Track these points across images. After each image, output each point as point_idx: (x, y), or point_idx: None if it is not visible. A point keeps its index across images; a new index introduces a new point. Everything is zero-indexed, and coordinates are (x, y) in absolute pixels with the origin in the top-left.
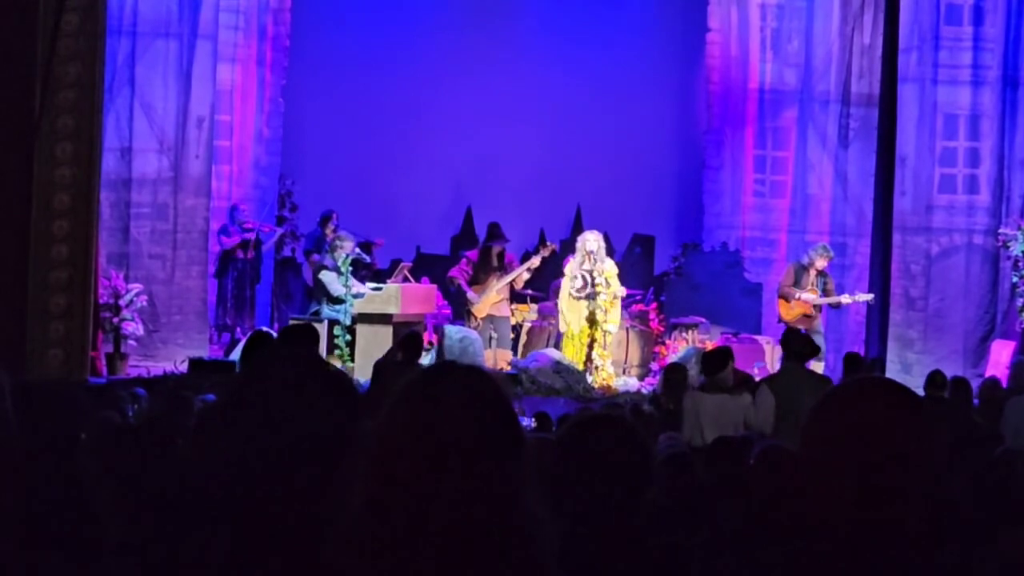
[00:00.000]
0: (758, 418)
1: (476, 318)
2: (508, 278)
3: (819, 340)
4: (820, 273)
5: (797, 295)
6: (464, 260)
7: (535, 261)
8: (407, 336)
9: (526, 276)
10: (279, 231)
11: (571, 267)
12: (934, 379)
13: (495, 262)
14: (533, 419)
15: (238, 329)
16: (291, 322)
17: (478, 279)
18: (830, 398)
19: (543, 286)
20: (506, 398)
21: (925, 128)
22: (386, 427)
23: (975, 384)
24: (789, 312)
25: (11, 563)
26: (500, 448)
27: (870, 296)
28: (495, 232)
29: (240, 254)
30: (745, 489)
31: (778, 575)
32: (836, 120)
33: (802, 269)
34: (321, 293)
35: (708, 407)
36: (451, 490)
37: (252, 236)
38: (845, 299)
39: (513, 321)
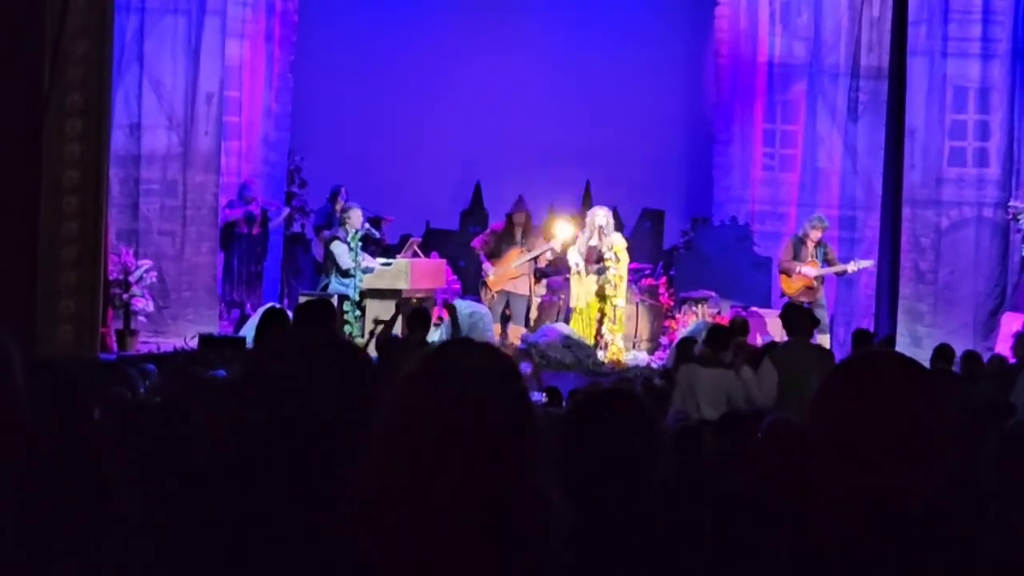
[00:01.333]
0: (761, 392)
1: (490, 290)
2: (529, 256)
3: (821, 313)
4: (819, 244)
5: (798, 269)
6: (488, 232)
7: (557, 243)
8: (414, 311)
9: (549, 256)
10: (286, 210)
11: (580, 242)
12: (942, 352)
13: (517, 235)
14: (544, 394)
15: (247, 305)
16: (301, 298)
17: (499, 251)
18: (839, 372)
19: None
20: (518, 378)
21: (935, 101)
22: (394, 407)
23: (986, 357)
24: (791, 286)
25: (24, 539)
26: (510, 429)
27: (870, 262)
28: (516, 201)
29: (245, 230)
30: (753, 463)
31: (787, 550)
32: (845, 93)
33: (799, 242)
34: (331, 265)
35: (704, 381)
36: (460, 471)
37: (256, 210)
38: (849, 267)
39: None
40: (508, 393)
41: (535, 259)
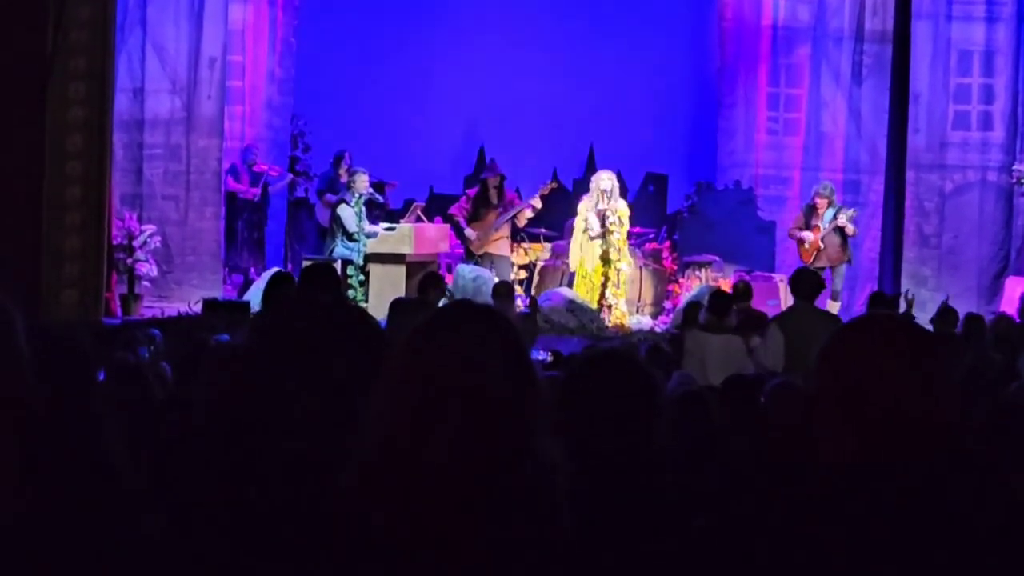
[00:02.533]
0: (767, 357)
1: (474, 255)
2: (507, 216)
3: (839, 282)
4: (829, 208)
5: (798, 235)
6: (464, 198)
7: (536, 200)
8: (425, 275)
9: (529, 214)
10: (288, 176)
11: (584, 206)
12: (945, 314)
13: (494, 198)
14: (549, 353)
15: (251, 270)
16: (304, 263)
17: (477, 215)
18: (841, 336)
19: (556, 225)
20: (519, 341)
21: (939, 65)
22: (396, 368)
23: (989, 321)
24: (804, 254)
25: (25, 505)
26: (510, 390)
27: (852, 211)
28: (488, 165)
29: (249, 197)
30: (757, 428)
31: (791, 513)
32: (850, 57)
33: (810, 210)
34: (338, 229)
35: (712, 346)
36: (459, 432)
37: (260, 182)
38: (847, 226)
39: (526, 260)
40: (508, 354)
41: (514, 218)
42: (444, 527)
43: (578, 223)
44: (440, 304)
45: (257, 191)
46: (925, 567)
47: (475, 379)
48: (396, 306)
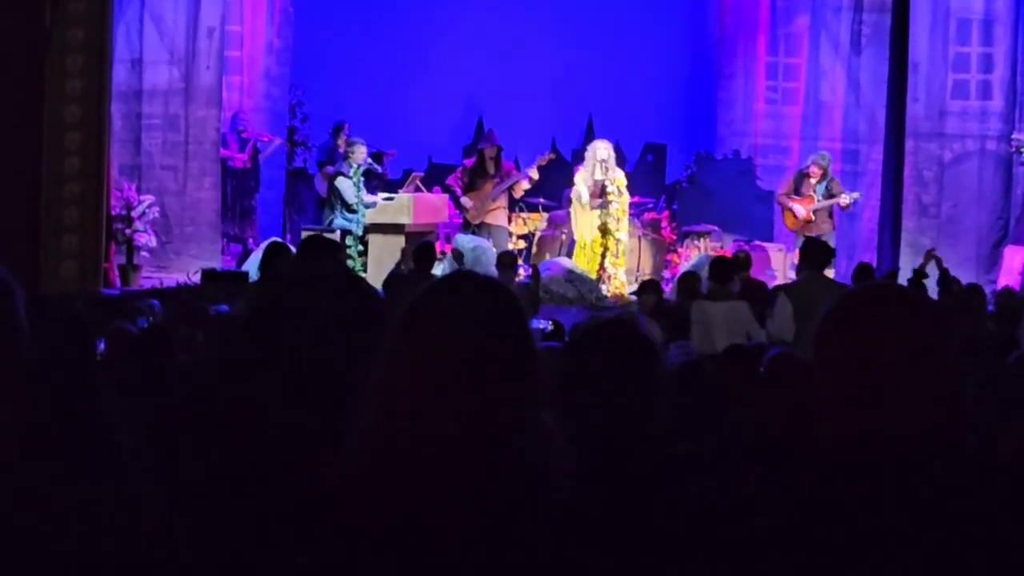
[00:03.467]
0: (776, 326)
1: (471, 225)
2: (504, 187)
3: None
4: (822, 179)
5: (789, 204)
6: (460, 168)
7: (532, 171)
8: (420, 246)
9: (526, 185)
10: (276, 141)
11: (580, 176)
12: (947, 286)
13: (490, 168)
14: (550, 322)
15: (250, 240)
16: (304, 233)
17: (473, 185)
18: (840, 305)
19: (555, 195)
20: (519, 311)
21: (938, 34)
22: (396, 338)
23: (988, 290)
24: (790, 220)
25: (25, 474)
26: (511, 360)
27: (857, 195)
28: (485, 135)
29: (239, 165)
30: (755, 397)
31: (790, 483)
32: (849, 26)
33: (802, 177)
34: (336, 200)
35: (716, 315)
36: (461, 402)
37: (249, 148)
38: (841, 200)
39: (525, 230)
40: (509, 324)
41: (510, 190)
42: (445, 497)
43: (573, 193)
44: (439, 274)
45: (246, 157)
46: (926, 538)
47: (476, 350)
48: (392, 281)
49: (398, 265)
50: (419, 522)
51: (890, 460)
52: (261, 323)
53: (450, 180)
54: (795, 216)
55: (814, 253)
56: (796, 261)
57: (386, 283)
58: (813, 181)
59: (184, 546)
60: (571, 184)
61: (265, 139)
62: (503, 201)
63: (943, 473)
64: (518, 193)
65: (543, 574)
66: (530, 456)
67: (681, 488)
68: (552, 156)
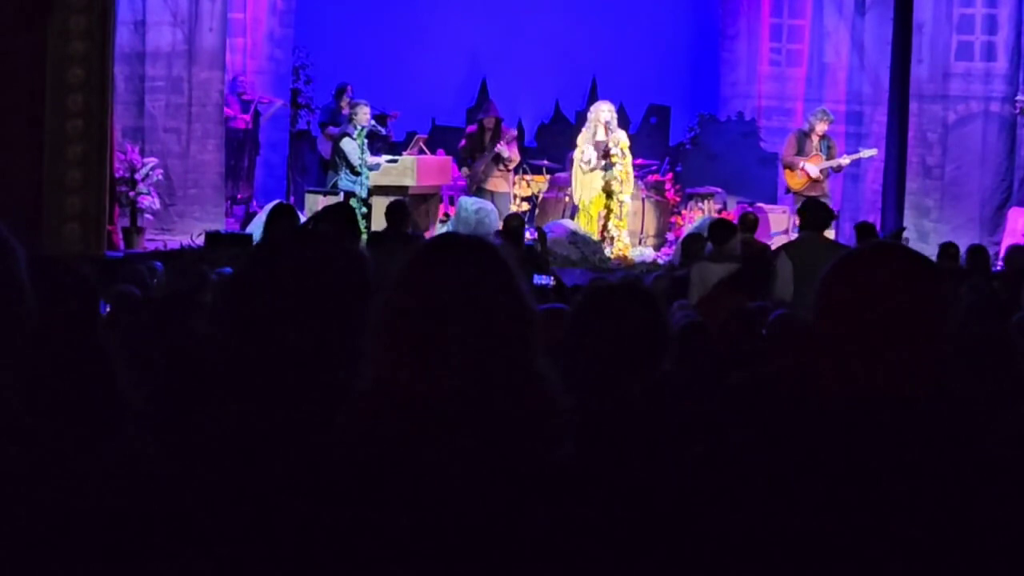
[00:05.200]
0: (776, 287)
1: (470, 192)
2: (485, 159)
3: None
4: (823, 138)
5: (800, 164)
6: (466, 136)
7: (504, 151)
8: (391, 205)
9: (506, 155)
10: (277, 103)
11: (582, 138)
12: (947, 250)
13: (485, 139)
14: (552, 278)
15: (254, 202)
16: (308, 196)
17: (473, 154)
18: (842, 265)
19: (559, 157)
20: (510, 270)
21: None
22: (388, 301)
23: (992, 251)
24: (796, 181)
25: (29, 436)
26: (508, 322)
27: (873, 151)
28: (485, 106)
29: (241, 125)
30: (757, 358)
31: (790, 444)
32: None
33: (804, 136)
34: (341, 162)
35: (717, 276)
36: (457, 359)
37: (251, 110)
38: (846, 160)
39: (528, 192)
40: (501, 285)
41: (505, 161)
42: (447, 454)
43: (576, 155)
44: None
45: (248, 118)
46: (925, 498)
47: (471, 311)
48: (373, 238)
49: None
50: (420, 479)
51: (890, 415)
52: (252, 284)
53: (461, 144)
54: (808, 176)
55: (812, 213)
56: (797, 222)
57: (368, 240)
58: (816, 140)
59: (191, 504)
60: (574, 146)
61: (265, 101)
62: (500, 171)
63: (942, 429)
64: (511, 165)
65: (542, 528)
66: (529, 414)
67: (681, 446)
68: (514, 132)
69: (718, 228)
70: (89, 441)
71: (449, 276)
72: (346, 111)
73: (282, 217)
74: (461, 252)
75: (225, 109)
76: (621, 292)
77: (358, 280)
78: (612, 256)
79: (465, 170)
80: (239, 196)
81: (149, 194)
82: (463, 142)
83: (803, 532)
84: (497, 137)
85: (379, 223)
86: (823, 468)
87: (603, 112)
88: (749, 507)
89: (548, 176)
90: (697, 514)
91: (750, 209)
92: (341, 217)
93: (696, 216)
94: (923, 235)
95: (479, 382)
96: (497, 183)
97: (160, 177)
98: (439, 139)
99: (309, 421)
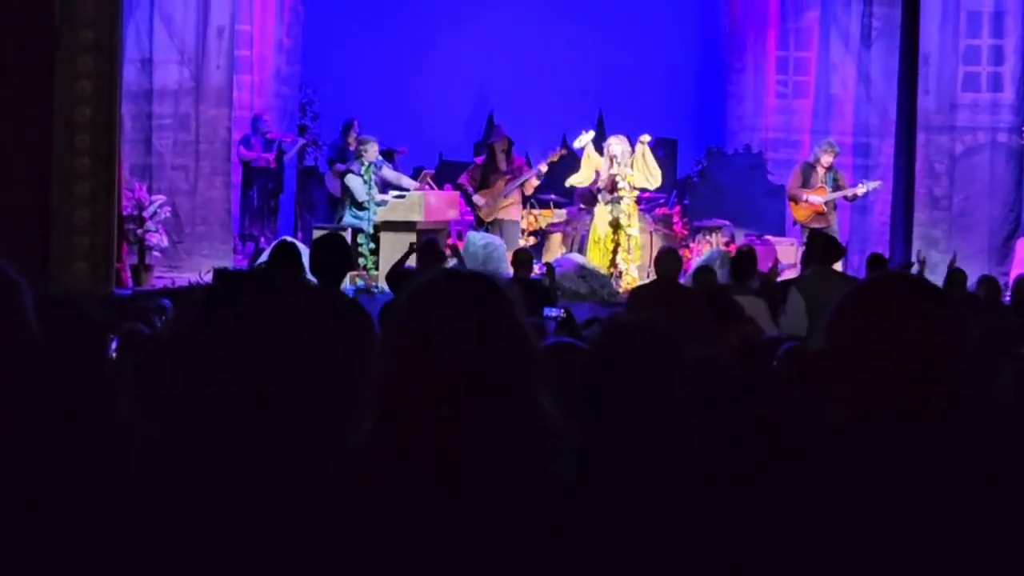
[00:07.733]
0: (789, 321)
1: (483, 222)
2: (516, 183)
3: None
4: (829, 169)
5: (804, 197)
6: (472, 166)
7: (543, 167)
8: (424, 244)
9: (535, 182)
10: (301, 141)
11: (604, 171)
12: (953, 277)
13: (502, 163)
14: (562, 311)
15: (262, 239)
16: (315, 232)
17: (486, 182)
18: (853, 294)
19: (566, 191)
20: (512, 307)
21: (948, 26)
22: (392, 337)
23: (1001, 283)
24: (801, 213)
25: (35, 470)
26: (505, 353)
27: (877, 183)
28: (494, 130)
29: (263, 164)
30: (767, 389)
31: (802, 473)
32: (859, 19)
33: (810, 168)
34: (347, 198)
35: None
36: (459, 397)
37: (274, 149)
38: (858, 190)
39: (537, 226)
40: (501, 317)
41: (522, 187)
42: (445, 490)
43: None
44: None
45: (271, 156)
46: (936, 526)
47: (471, 347)
48: (396, 276)
49: (401, 261)
50: (420, 514)
51: (900, 446)
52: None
53: (462, 179)
54: (812, 207)
55: (818, 247)
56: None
57: (389, 279)
58: (822, 172)
59: (194, 544)
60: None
61: (289, 140)
62: (516, 197)
63: (953, 460)
64: (529, 190)
65: (544, 563)
66: (530, 447)
67: (693, 475)
68: (564, 152)
69: (740, 263)
70: (93, 484)
71: (449, 312)
72: (353, 147)
73: (285, 256)
74: (461, 288)
75: (245, 150)
76: (641, 329)
77: (311, 325)
78: (621, 290)
79: (479, 198)
80: (265, 235)
81: (157, 231)
82: (471, 171)
83: (816, 561)
84: (511, 159)
85: (387, 258)
86: (835, 497)
87: (612, 146)
88: (760, 537)
89: (556, 210)
90: (706, 543)
91: (756, 242)
92: (288, 256)
93: (704, 249)
94: (931, 266)
95: (481, 417)
96: (509, 211)
97: (168, 214)
98: (446, 174)
99: (311, 458)
